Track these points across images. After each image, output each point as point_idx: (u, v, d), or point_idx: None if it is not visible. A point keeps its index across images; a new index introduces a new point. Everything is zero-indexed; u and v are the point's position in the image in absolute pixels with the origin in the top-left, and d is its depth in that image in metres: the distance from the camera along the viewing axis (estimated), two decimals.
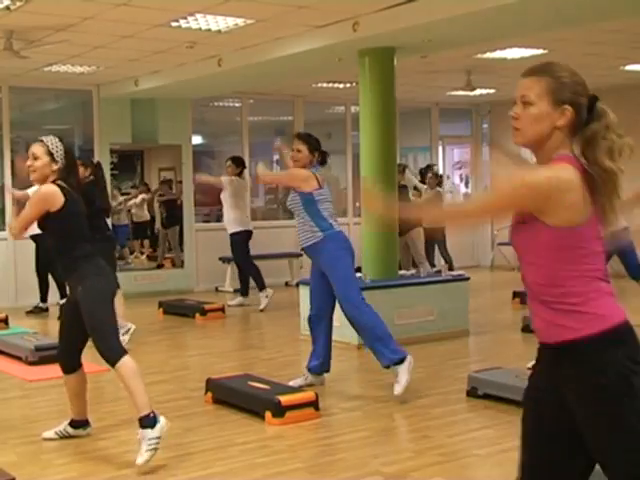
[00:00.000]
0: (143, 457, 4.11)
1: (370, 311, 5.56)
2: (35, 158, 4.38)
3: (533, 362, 6.17)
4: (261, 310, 9.65)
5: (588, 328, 2.19)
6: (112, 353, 4.29)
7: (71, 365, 4.59)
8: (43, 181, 4.39)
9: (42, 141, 4.42)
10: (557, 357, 2.27)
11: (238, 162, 10.13)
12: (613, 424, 2.18)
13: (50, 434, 4.71)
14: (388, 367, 5.48)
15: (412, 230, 10.20)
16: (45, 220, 4.36)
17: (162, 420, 4.22)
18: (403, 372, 5.39)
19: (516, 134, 2.29)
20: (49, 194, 4.31)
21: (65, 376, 4.63)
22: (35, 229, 8.35)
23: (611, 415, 2.18)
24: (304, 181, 5.64)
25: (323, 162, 5.87)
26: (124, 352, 4.32)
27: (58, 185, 4.34)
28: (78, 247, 4.37)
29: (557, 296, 2.23)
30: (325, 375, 5.94)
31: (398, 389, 5.36)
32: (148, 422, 4.17)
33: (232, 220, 9.87)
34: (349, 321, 5.64)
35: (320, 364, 5.86)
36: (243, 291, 10.19)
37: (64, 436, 4.69)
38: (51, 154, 4.37)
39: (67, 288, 4.88)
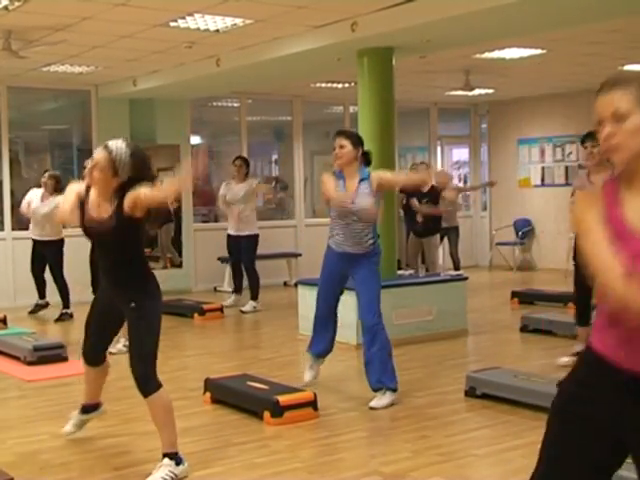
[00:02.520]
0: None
1: (386, 331, 5.46)
2: (98, 169, 3.99)
3: (564, 358, 5.96)
4: (242, 311, 9.61)
5: None
6: (149, 383, 4.06)
7: (96, 359, 4.49)
8: (102, 189, 4.03)
9: (110, 151, 3.98)
10: (630, 382, 2.11)
11: (249, 163, 10.10)
12: None
13: (69, 428, 4.66)
14: (376, 391, 5.38)
15: (433, 236, 10.20)
16: (121, 222, 3.97)
17: (186, 465, 4.09)
18: (389, 398, 5.35)
19: (616, 152, 2.12)
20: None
21: (88, 368, 4.51)
22: (44, 235, 8.28)
23: None
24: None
25: (368, 162, 5.58)
26: (160, 385, 4.10)
27: None
28: (144, 259, 4.17)
29: None
30: (323, 376, 5.94)
31: (377, 403, 5.30)
32: (175, 458, 4.03)
33: (252, 222, 9.77)
34: (368, 332, 5.41)
35: (324, 349, 5.78)
36: (237, 289, 10.16)
37: (81, 425, 4.66)
38: (114, 167, 3.95)
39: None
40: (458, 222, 11.84)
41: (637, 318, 1.98)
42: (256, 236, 9.83)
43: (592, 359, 2.21)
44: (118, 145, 3.98)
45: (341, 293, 5.71)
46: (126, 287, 4.11)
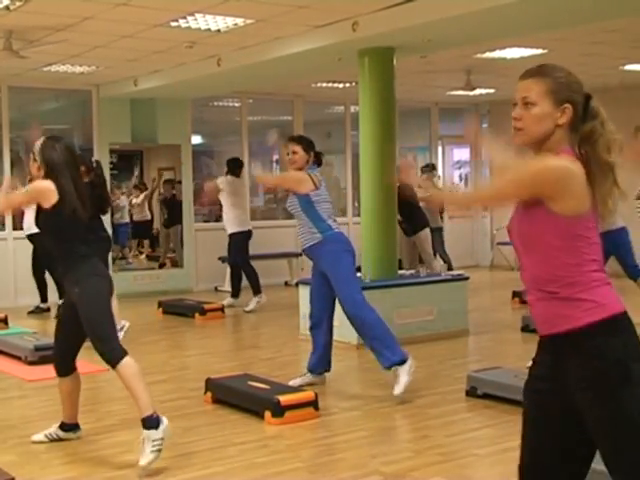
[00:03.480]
0: (147, 458, 4.09)
1: (372, 311, 5.56)
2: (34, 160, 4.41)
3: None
4: (246, 311, 9.62)
5: (589, 316, 2.25)
6: (113, 354, 4.25)
7: (66, 368, 4.55)
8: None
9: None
10: (558, 346, 2.32)
11: (236, 162, 10.11)
12: (611, 410, 2.23)
13: (40, 437, 4.68)
14: (389, 368, 5.48)
15: (420, 232, 10.20)
16: (40, 217, 4.37)
17: (165, 421, 4.20)
18: (404, 373, 5.40)
19: (519, 134, 2.38)
20: (42, 189, 4.29)
21: (59, 378, 4.59)
22: (33, 227, 8.35)
23: (610, 401, 2.23)
24: (300, 183, 5.66)
25: (319, 163, 5.88)
26: (125, 353, 4.27)
27: (55, 182, 4.30)
28: (75, 248, 4.34)
29: (558, 286, 2.30)
30: (326, 375, 5.94)
31: (397, 389, 5.38)
32: (151, 423, 4.15)
33: (231, 220, 9.83)
34: (350, 322, 5.64)
35: (320, 364, 5.86)
36: (234, 293, 10.16)
37: (54, 439, 4.66)
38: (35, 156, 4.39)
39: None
40: (441, 223, 11.85)
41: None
42: (239, 233, 9.81)
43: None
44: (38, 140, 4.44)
45: (330, 296, 5.73)
46: (68, 274, 4.36)
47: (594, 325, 2.24)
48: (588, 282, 2.28)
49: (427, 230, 10.41)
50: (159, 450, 4.11)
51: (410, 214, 10.05)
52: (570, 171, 2.26)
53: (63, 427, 4.68)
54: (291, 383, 5.73)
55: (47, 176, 4.33)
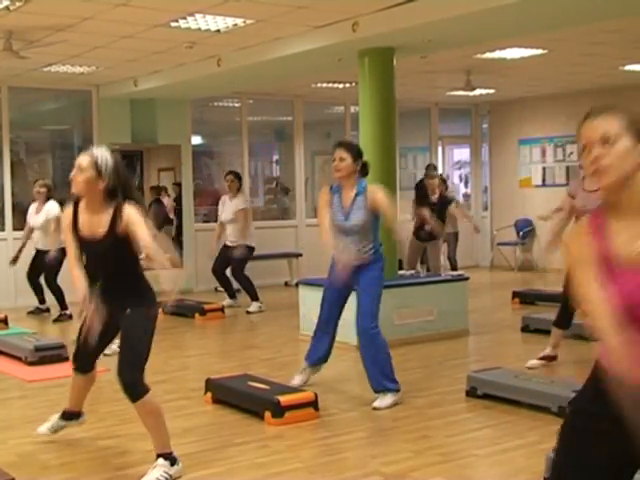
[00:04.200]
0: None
1: (382, 336, 5.44)
2: (80, 170, 4.02)
3: (533, 361, 6.15)
4: (248, 312, 9.62)
5: None
6: (136, 388, 4.00)
7: (87, 368, 4.48)
8: (88, 195, 4.04)
9: (90, 152, 4.07)
10: None
11: (239, 177, 10.11)
12: None
13: (44, 430, 4.65)
14: (378, 392, 5.38)
15: (436, 240, 10.17)
16: (112, 239, 4.00)
17: (180, 465, 4.08)
18: (391, 399, 5.36)
19: (602, 175, 2.15)
20: (141, 213, 3.98)
21: (76, 374, 4.51)
22: (45, 245, 8.27)
23: None
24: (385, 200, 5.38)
25: (365, 173, 5.53)
26: (148, 389, 4.03)
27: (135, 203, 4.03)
28: (138, 267, 4.13)
29: None
30: (323, 373, 5.94)
31: (379, 403, 5.31)
32: (169, 458, 4.03)
33: (239, 235, 9.73)
34: (359, 334, 5.44)
35: (321, 361, 5.82)
36: (230, 294, 10.15)
37: (58, 429, 4.63)
38: (98, 168, 3.99)
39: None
40: (459, 228, 11.84)
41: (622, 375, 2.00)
42: (250, 247, 9.79)
43: (598, 374, 2.21)
44: (100, 150, 4.07)
45: (343, 304, 5.69)
46: (123, 298, 4.09)
47: None
48: None
49: (440, 242, 10.40)
50: None
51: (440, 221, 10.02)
52: None
53: (65, 416, 4.64)
54: (292, 383, 5.73)
55: (121, 196, 4.00)
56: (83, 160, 4.01)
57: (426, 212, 9.80)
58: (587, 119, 2.20)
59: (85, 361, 4.45)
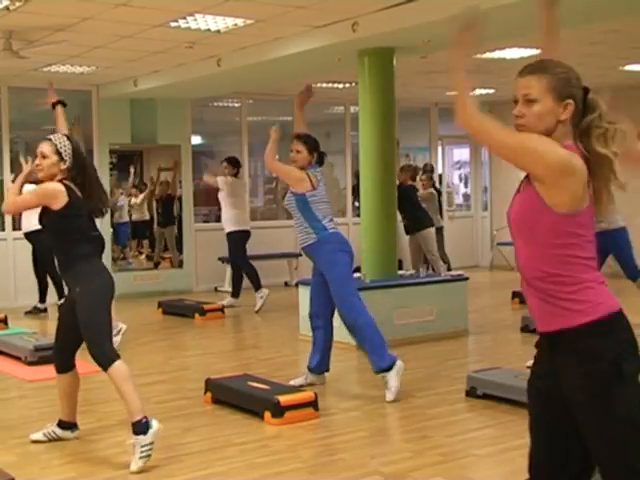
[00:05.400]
0: (137, 464, 4.12)
1: (364, 314, 5.56)
2: (43, 157, 4.34)
3: (532, 361, 6.11)
4: (256, 311, 9.63)
5: (583, 317, 2.26)
6: (105, 357, 4.26)
7: (64, 365, 4.57)
8: (50, 180, 4.35)
9: (50, 140, 4.38)
10: (553, 344, 2.34)
11: (234, 162, 10.14)
12: (603, 410, 2.24)
13: (38, 436, 4.68)
14: (377, 373, 5.52)
15: (423, 230, 10.21)
16: (46, 217, 4.35)
17: (155, 424, 4.21)
18: (392, 378, 5.43)
19: (520, 128, 2.36)
20: (54, 191, 4.26)
21: (58, 375, 4.61)
22: (31, 226, 8.32)
23: (601, 401, 2.23)
24: (297, 181, 5.68)
25: (321, 162, 5.88)
26: (117, 356, 4.29)
27: (65, 184, 4.29)
28: (77, 247, 4.33)
29: (553, 283, 2.30)
30: (326, 375, 5.95)
31: (389, 396, 5.41)
32: (140, 428, 4.17)
33: (230, 219, 9.88)
34: (343, 322, 5.66)
35: (320, 364, 5.86)
36: (234, 293, 10.17)
37: (52, 438, 4.66)
38: (59, 153, 4.33)
39: (65, 288, 4.85)
40: (441, 222, 11.85)
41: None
42: (237, 232, 9.86)
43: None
44: (57, 135, 4.50)
45: (328, 296, 5.74)
46: (69, 273, 4.39)
47: (588, 325, 2.25)
48: (582, 281, 2.28)
49: (431, 230, 10.41)
50: (148, 455, 4.14)
51: (412, 212, 10.08)
52: (570, 165, 2.24)
53: (61, 425, 4.68)
54: (291, 383, 5.73)
55: (75, 175, 4.33)
56: (45, 147, 4.37)
57: None
58: (519, 75, 2.39)
59: (60, 358, 4.58)
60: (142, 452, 4.12)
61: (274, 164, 6.00)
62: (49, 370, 6.53)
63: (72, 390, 4.62)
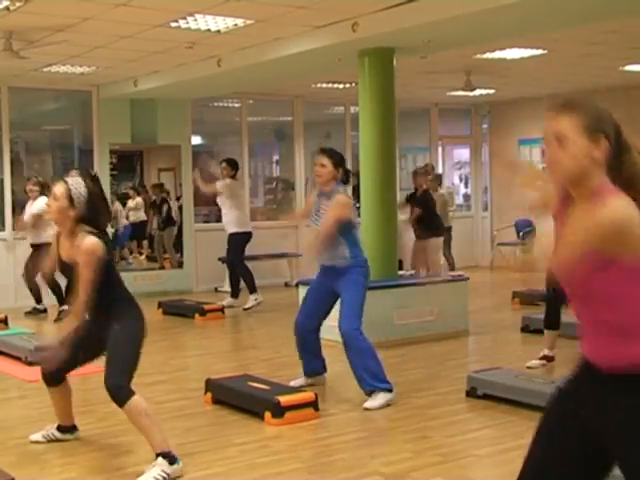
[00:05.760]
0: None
1: (367, 340, 5.44)
2: (55, 198, 4.19)
3: (533, 361, 6.16)
4: (244, 309, 9.63)
5: None
6: (121, 393, 4.06)
7: (55, 380, 4.50)
8: (61, 223, 4.22)
9: (66, 182, 4.19)
10: (608, 380, 2.25)
11: (233, 164, 10.13)
12: None
13: (37, 437, 4.67)
14: (370, 393, 5.37)
15: (433, 238, 10.20)
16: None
17: (180, 463, 4.09)
18: (384, 398, 5.34)
19: (555, 171, 2.28)
20: (97, 248, 4.08)
21: (48, 388, 4.55)
22: (42, 239, 8.17)
23: None
24: (347, 208, 5.51)
25: (346, 181, 5.69)
26: (133, 392, 4.08)
27: (95, 235, 4.12)
28: (115, 292, 4.22)
29: (624, 326, 2.22)
30: (325, 375, 5.94)
31: (370, 404, 5.29)
32: (169, 457, 4.04)
33: (231, 221, 9.89)
34: (347, 339, 5.40)
35: (317, 367, 5.84)
36: (233, 293, 10.16)
37: (51, 439, 4.65)
38: (71, 198, 4.15)
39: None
40: (450, 223, 11.85)
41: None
42: (237, 234, 9.85)
43: (581, 361, 2.37)
44: (76, 179, 4.22)
45: (323, 314, 5.72)
46: (106, 316, 4.17)
47: None
48: None
49: (440, 239, 10.42)
50: None
51: (429, 218, 10.06)
52: (632, 215, 2.14)
53: (60, 429, 4.67)
54: (292, 384, 5.73)
55: (87, 220, 4.15)
56: (57, 189, 4.18)
57: (406, 209, 9.96)
58: (548, 113, 2.29)
59: (56, 376, 4.48)
60: (159, 474, 3.97)
61: (327, 228, 5.48)
62: None
63: (65, 398, 4.58)
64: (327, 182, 5.54)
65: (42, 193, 9.03)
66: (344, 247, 5.49)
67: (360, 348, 5.37)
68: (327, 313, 5.75)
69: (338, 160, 5.58)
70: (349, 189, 5.65)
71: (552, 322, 6.39)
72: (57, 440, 4.65)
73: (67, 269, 4.27)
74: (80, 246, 4.08)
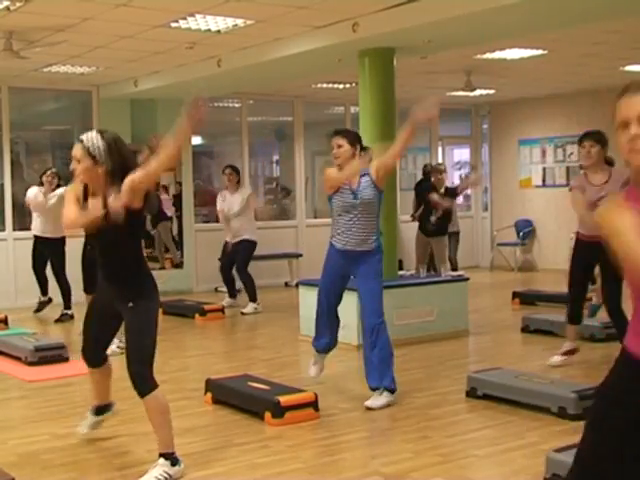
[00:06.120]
0: None
1: (387, 333, 5.43)
2: (77, 161, 4.00)
3: (556, 357, 6.06)
4: (242, 313, 9.61)
5: None
6: (145, 383, 4.02)
7: (97, 360, 4.47)
8: (96, 184, 4.00)
9: (82, 141, 4.01)
10: None
11: (238, 171, 10.10)
12: None
13: (84, 429, 4.65)
14: (374, 389, 5.37)
15: (442, 236, 10.17)
16: (129, 220, 3.93)
17: (183, 465, 4.09)
18: (387, 398, 5.34)
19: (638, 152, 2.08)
20: (133, 183, 3.86)
21: (91, 369, 4.50)
22: (47, 232, 8.14)
23: None
24: (389, 171, 5.44)
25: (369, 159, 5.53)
26: (156, 385, 4.06)
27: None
28: (142, 259, 4.15)
29: None
30: (324, 374, 5.94)
31: (373, 403, 5.29)
32: (172, 458, 4.04)
33: (245, 229, 9.76)
34: (371, 332, 5.38)
35: (326, 344, 5.71)
36: (231, 294, 10.16)
37: (95, 426, 4.65)
38: (92, 155, 3.96)
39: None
40: (459, 227, 11.83)
41: None
42: (252, 241, 9.80)
43: (631, 362, 2.17)
44: (89, 135, 4.04)
45: (342, 292, 5.67)
46: (125, 285, 4.09)
47: None
48: None
49: (446, 237, 10.39)
50: None
51: (443, 217, 9.99)
52: None
53: (97, 411, 4.64)
54: (308, 374, 5.71)
55: (117, 177, 3.91)
56: (76, 151, 4.00)
57: (435, 196, 9.67)
58: (625, 95, 2.10)
59: (93, 354, 4.44)
60: (161, 474, 3.97)
61: (340, 173, 5.38)
62: (49, 370, 6.57)
63: (106, 379, 4.56)
64: (347, 161, 5.33)
65: (59, 185, 8.96)
66: (374, 229, 5.38)
67: (383, 342, 5.35)
68: (342, 295, 5.62)
69: (354, 137, 5.45)
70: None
71: (575, 316, 6.39)
72: (101, 423, 4.66)
73: (97, 234, 4.06)
74: (124, 184, 3.87)
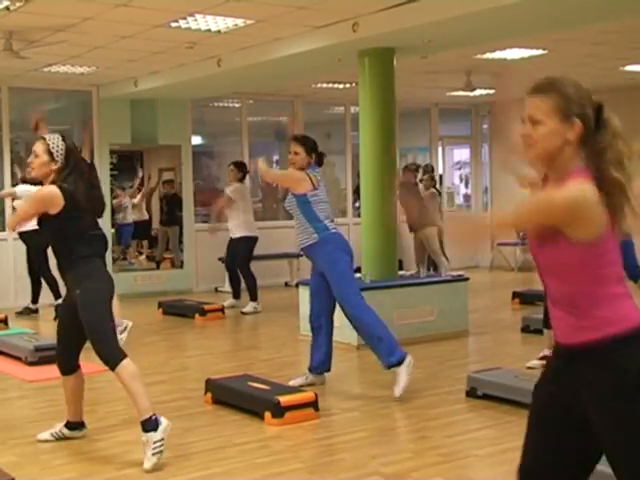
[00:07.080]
0: (150, 461, 4.13)
1: (370, 312, 5.57)
2: (35, 155, 4.37)
3: (533, 361, 6.20)
4: (242, 312, 9.61)
5: (608, 329, 2.24)
6: (111, 357, 4.26)
7: (69, 366, 4.57)
8: (44, 179, 4.38)
9: (44, 139, 4.38)
10: (576, 357, 2.31)
11: (241, 167, 10.10)
12: (627, 422, 2.22)
13: (45, 435, 4.70)
14: (388, 368, 5.50)
15: (426, 228, 10.21)
16: (44, 221, 4.35)
17: (164, 421, 4.22)
18: (402, 373, 5.41)
19: (528, 151, 2.36)
20: (49, 196, 4.27)
21: (63, 377, 4.62)
22: (22, 226, 8.21)
23: (626, 413, 2.22)
24: (298, 183, 5.69)
25: (320, 163, 5.89)
26: (124, 355, 4.29)
27: (60, 187, 4.27)
28: (76, 249, 4.33)
29: (580, 304, 2.29)
30: (326, 375, 5.95)
31: (397, 391, 5.40)
32: (150, 425, 4.18)
33: (241, 225, 9.80)
34: (349, 321, 5.67)
35: (321, 364, 5.87)
36: (235, 294, 10.16)
37: (59, 438, 4.68)
38: (51, 153, 4.33)
39: (62, 289, 4.82)
40: (441, 222, 11.85)
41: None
42: (246, 238, 9.79)
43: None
44: (52, 135, 4.45)
45: (328, 294, 5.75)
46: (69, 275, 4.39)
47: (614, 337, 2.24)
48: (609, 298, 2.27)
49: (433, 229, 10.41)
50: (160, 452, 4.15)
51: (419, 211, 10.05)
52: (585, 201, 2.21)
53: (68, 425, 4.69)
54: (291, 383, 5.73)
55: (65, 176, 4.31)
56: (38, 147, 4.37)
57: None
58: (527, 93, 2.37)
59: (65, 359, 4.58)
60: (154, 449, 4.14)
61: (269, 174, 6.22)
62: (49, 370, 6.55)
63: (78, 390, 4.63)
64: (302, 168, 5.72)
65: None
66: (307, 224, 5.66)
67: (367, 324, 5.57)
68: (331, 297, 5.75)
69: (311, 146, 5.76)
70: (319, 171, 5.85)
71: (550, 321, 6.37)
72: (65, 438, 4.67)
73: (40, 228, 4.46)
74: (39, 190, 4.38)
